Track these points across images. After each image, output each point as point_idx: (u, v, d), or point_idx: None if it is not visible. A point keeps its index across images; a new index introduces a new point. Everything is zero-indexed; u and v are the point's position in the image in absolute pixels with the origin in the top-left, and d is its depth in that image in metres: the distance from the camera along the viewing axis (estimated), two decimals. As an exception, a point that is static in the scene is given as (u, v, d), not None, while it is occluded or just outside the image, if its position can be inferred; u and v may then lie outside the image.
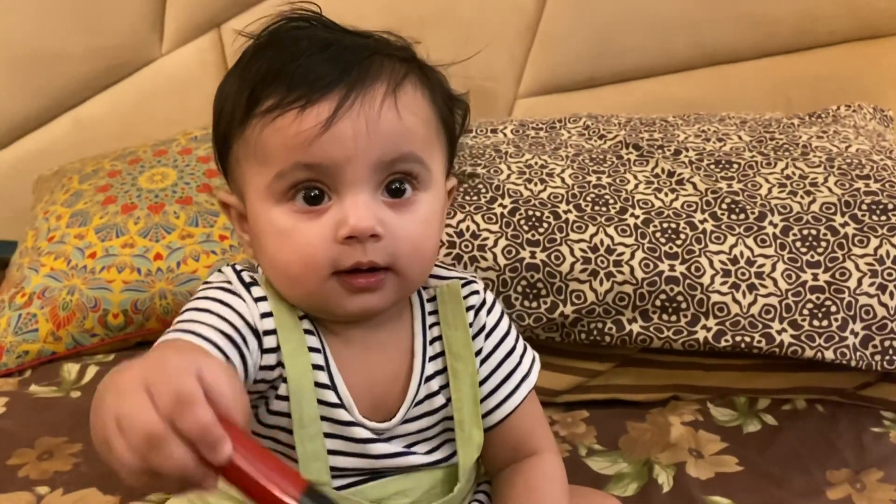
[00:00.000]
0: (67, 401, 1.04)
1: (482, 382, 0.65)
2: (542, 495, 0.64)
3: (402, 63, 0.58)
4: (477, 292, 0.66)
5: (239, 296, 0.59)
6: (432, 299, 0.65)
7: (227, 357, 0.55)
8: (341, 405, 0.60)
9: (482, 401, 0.65)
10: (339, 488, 0.61)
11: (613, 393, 0.99)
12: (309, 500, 0.39)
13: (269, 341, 0.59)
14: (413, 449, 0.63)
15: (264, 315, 0.59)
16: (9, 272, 1.23)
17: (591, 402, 0.99)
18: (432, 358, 0.63)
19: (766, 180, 1.01)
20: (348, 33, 0.60)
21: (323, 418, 0.60)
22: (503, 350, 0.67)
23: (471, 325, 0.64)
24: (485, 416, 0.65)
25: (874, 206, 0.96)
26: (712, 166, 1.04)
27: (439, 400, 0.63)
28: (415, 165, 0.57)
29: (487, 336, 0.65)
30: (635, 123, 1.16)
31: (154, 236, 1.19)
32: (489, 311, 0.66)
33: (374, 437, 0.61)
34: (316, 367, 0.59)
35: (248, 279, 0.61)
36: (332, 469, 0.60)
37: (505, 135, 1.17)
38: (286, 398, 0.59)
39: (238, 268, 0.63)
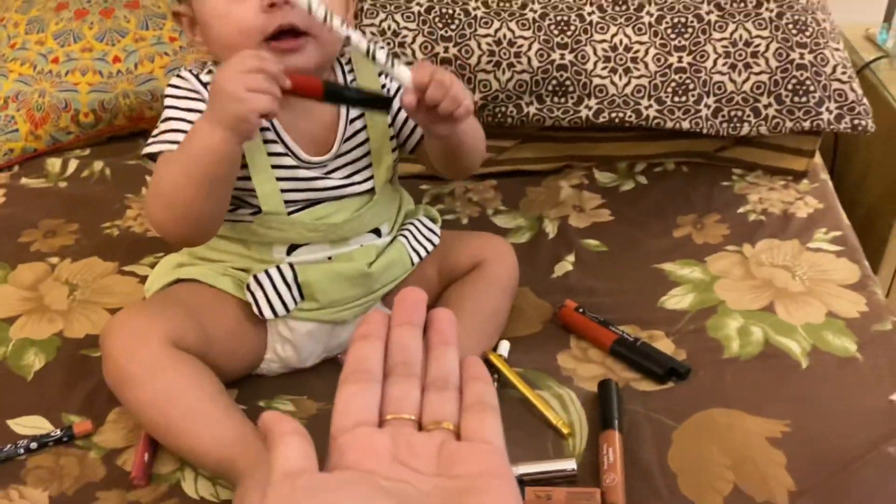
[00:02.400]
0: (57, 190, 1.22)
1: (397, 114, 0.85)
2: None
3: None
4: (382, 47, 0.84)
5: (198, 97, 0.77)
6: (349, 62, 0.85)
7: None
8: (287, 154, 0.80)
9: (402, 126, 0.85)
10: (292, 212, 0.82)
11: (517, 165, 1.20)
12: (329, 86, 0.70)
13: None
14: (350, 180, 0.83)
15: None
16: (-22, 79, 1.35)
17: (499, 173, 1.20)
18: None
19: (649, -27, 1.16)
20: None
21: (274, 166, 0.79)
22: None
23: (379, 74, 0.84)
24: (408, 138, 0.86)
25: (736, -5, 1.12)
26: (604, -39, 1.18)
27: (362, 136, 0.84)
28: None
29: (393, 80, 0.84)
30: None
31: (110, 41, 1.31)
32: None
33: (317, 175, 0.81)
34: (263, 128, 0.78)
35: (206, 79, 0.78)
36: (287, 202, 0.80)
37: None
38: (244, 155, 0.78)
39: (195, 72, 0.80)
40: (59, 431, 0.80)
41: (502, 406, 0.83)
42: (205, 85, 0.79)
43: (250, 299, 0.81)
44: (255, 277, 0.82)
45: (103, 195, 1.19)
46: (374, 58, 0.71)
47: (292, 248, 0.83)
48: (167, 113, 0.79)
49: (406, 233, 0.89)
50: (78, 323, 0.95)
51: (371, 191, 0.85)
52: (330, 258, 0.84)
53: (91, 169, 1.26)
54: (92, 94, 1.28)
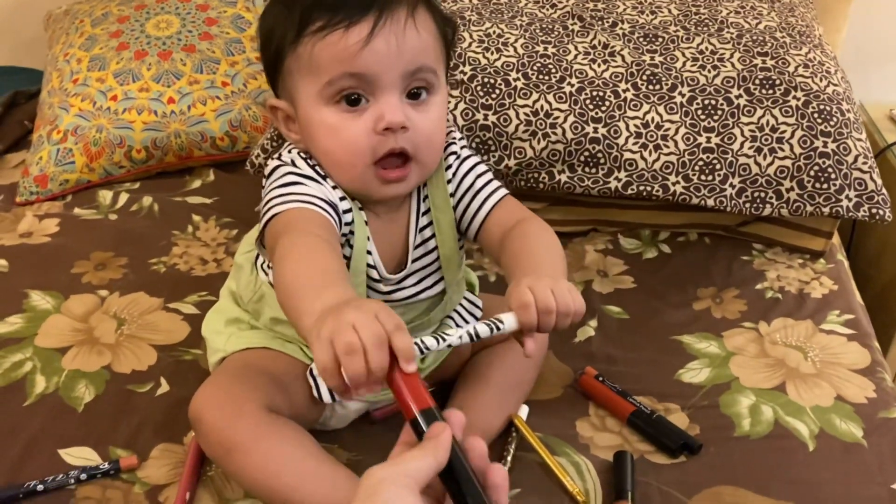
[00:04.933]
0: (107, 222, 1.29)
1: (458, 202, 0.85)
2: (529, 242, 0.80)
3: None
4: (455, 153, 0.86)
5: (320, 183, 0.78)
6: None
7: (331, 216, 0.74)
8: (374, 266, 0.83)
9: (463, 213, 0.85)
10: None
11: (546, 225, 1.25)
12: (422, 416, 0.53)
13: (345, 217, 0.79)
14: (420, 286, 0.86)
15: (342, 198, 0.78)
16: (40, 110, 1.42)
17: (528, 232, 1.25)
18: (424, 213, 0.86)
19: (683, 54, 1.22)
20: None
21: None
22: (472, 173, 0.86)
23: (449, 181, 0.85)
24: (469, 224, 0.85)
25: (765, 81, 1.18)
26: (641, 39, 1.24)
27: (431, 244, 0.86)
28: (429, 74, 0.75)
29: (455, 172, 0.85)
30: (584, -8, 1.33)
31: (166, 82, 1.38)
32: (461, 160, 0.86)
33: (392, 289, 0.84)
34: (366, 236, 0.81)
35: (322, 171, 0.78)
36: None
37: (470, 0, 1.33)
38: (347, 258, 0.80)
39: (311, 162, 0.79)
40: (106, 464, 0.86)
41: (521, 470, 0.88)
42: (323, 177, 0.78)
43: (311, 382, 0.85)
44: None
45: (151, 231, 1.26)
46: (478, 336, 0.65)
47: None
48: (278, 180, 0.77)
49: (454, 314, 0.93)
50: (125, 358, 1.01)
51: (442, 292, 0.88)
52: None
53: (140, 203, 1.32)
54: (146, 131, 1.35)
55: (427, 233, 0.86)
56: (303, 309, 0.61)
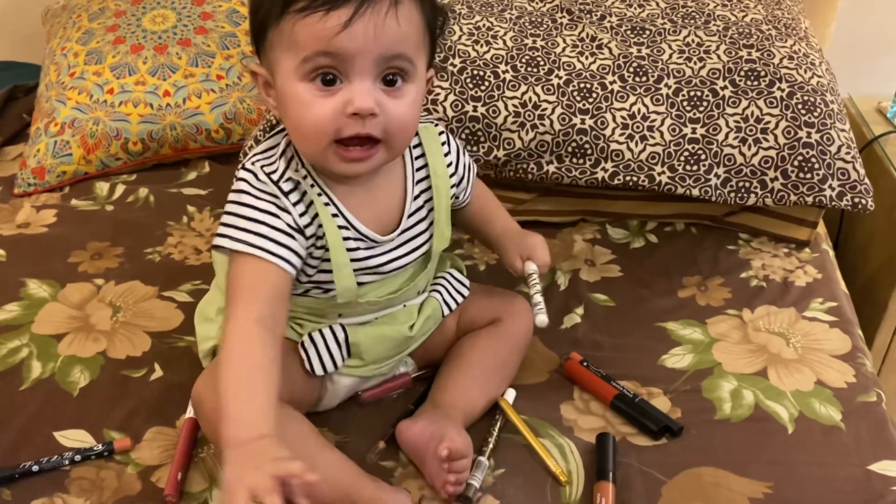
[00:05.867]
0: (104, 213, 1.31)
1: (459, 191, 0.93)
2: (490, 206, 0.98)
3: None
4: (443, 132, 0.92)
5: (284, 209, 0.79)
6: (418, 145, 0.89)
7: (291, 262, 0.79)
8: (360, 239, 0.84)
9: (456, 198, 0.93)
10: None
11: (535, 216, 1.27)
12: None
13: (309, 231, 0.81)
14: (413, 254, 0.89)
15: (301, 215, 0.80)
16: (38, 103, 1.44)
17: (517, 222, 1.27)
18: (419, 181, 0.89)
19: (670, 46, 1.23)
20: None
21: (352, 259, 0.84)
22: (470, 170, 0.96)
23: (447, 154, 0.90)
24: (459, 206, 0.95)
25: (750, 73, 1.19)
26: (628, 32, 1.26)
27: (424, 211, 0.90)
28: (405, 63, 0.77)
29: (457, 158, 0.92)
30: (573, -15, 1.35)
31: (161, 75, 1.40)
32: (451, 142, 0.93)
33: (386, 260, 0.86)
34: (333, 215, 0.82)
35: (285, 188, 0.80)
36: (358, 285, 0.86)
37: (460, -7, 1.35)
38: (326, 253, 0.83)
39: (267, 170, 0.80)
40: (100, 446, 0.88)
41: (506, 451, 0.91)
42: (285, 194, 0.80)
43: (303, 355, 0.87)
44: (310, 335, 0.88)
45: (146, 221, 1.28)
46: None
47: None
48: (242, 208, 0.80)
49: (440, 288, 0.96)
50: (120, 344, 1.03)
51: (426, 255, 0.91)
52: (376, 318, 0.91)
53: (136, 195, 1.34)
54: (142, 124, 1.37)
55: (422, 199, 0.89)
56: (226, 414, 0.70)
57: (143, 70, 1.40)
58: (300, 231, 0.81)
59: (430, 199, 0.90)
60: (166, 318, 1.08)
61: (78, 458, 0.87)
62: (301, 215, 0.81)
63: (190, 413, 0.91)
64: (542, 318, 0.87)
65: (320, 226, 0.82)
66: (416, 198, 0.89)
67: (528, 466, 0.87)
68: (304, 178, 0.82)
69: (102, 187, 1.36)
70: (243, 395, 0.72)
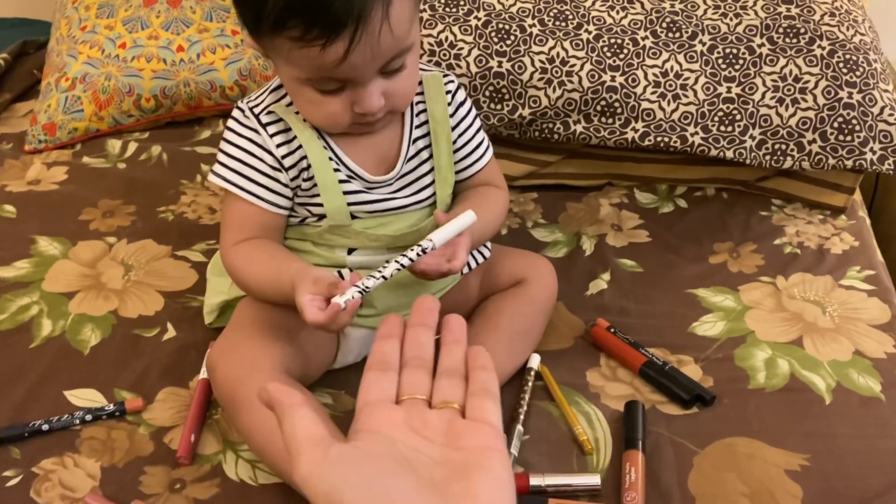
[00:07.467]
0: (116, 171, 1.27)
1: (458, 145, 0.89)
2: (478, 199, 0.89)
3: None
4: (452, 81, 0.89)
5: (263, 146, 0.81)
6: (420, 93, 0.87)
7: (276, 203, 0.82)
8: (352, 178, 0.83)
9: (458, 160, 0.89)
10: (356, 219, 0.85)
11: (560, 179, 1.23)
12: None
13: (289, 161, 0.81)
14: (415, 198, 0.86)
15: (280, 145, 0.81)
16: (49, 58, 1.41)
17: (541, 186, 1.23)
18: (418, 126, 0.86)
19: (705, 1, 1.18)
20: None
21: (344, 192, 0.83)
22: (474, 125, 0.90)
23: (449, 103, 0.87)
24: (459, 171, 0.89)
25: (789, 30, 1.14)
26: (661, -14, 1.20)
27: (424, 154, 0.87)
28: (404, 54, 0.75)
29: (458, 108, 0.89)
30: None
31: (175, 30, 1.36)
32: (459, 93, 0.89)
33: (383, 197, 0.84)
34: (324, 148, 0.82)
35: (265, 119, 0.81)
36: (352, 214, 0.84)
37: (485, -54, 1.29)
38: (315, 187, 0.82)
39: (251, 104, 0.82)
40: (112, 406, 0.86)
41: (531, 417, 0.87)
42: (264, 126, 0.81)
43: None
44: None
45: (159, 179, 1.24)
46: (410, 261, 0.75)
47: (352, 249, 0.87)
48: (228, 146, 0.83)
49: None
50: (132, 303, 1.00)
51: (433, 205, 0.88)
52: (387, 261, 0.88)
53: (149, 153, 1.31)
54: (155, 80, 1.33)
55: (421, 143, 0.87)
56: (281, 282, 0.77)
57: (156, 24, 1.36)
58: (281, 166, 0.81)
59: (430, 144, 0.87)
60: (180, 277, 1.05)
61: (89, 417, 0.84)
62: (280, 145, 0.81)
63: (203, 374, 0.88)
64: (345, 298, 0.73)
65: (304, 157, 0.81)
66: (414, 141, 0.86)
67: (553, 433, 0.84)
68: (297, 112, 0.82)
69: (115, 145, 1.33)
70: (273, 266, 0.79)
